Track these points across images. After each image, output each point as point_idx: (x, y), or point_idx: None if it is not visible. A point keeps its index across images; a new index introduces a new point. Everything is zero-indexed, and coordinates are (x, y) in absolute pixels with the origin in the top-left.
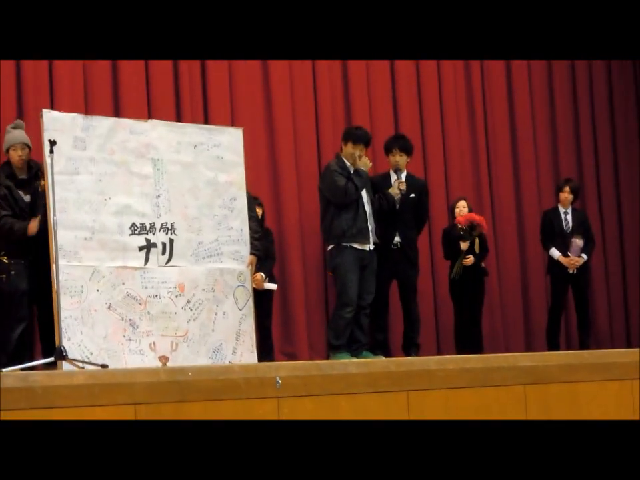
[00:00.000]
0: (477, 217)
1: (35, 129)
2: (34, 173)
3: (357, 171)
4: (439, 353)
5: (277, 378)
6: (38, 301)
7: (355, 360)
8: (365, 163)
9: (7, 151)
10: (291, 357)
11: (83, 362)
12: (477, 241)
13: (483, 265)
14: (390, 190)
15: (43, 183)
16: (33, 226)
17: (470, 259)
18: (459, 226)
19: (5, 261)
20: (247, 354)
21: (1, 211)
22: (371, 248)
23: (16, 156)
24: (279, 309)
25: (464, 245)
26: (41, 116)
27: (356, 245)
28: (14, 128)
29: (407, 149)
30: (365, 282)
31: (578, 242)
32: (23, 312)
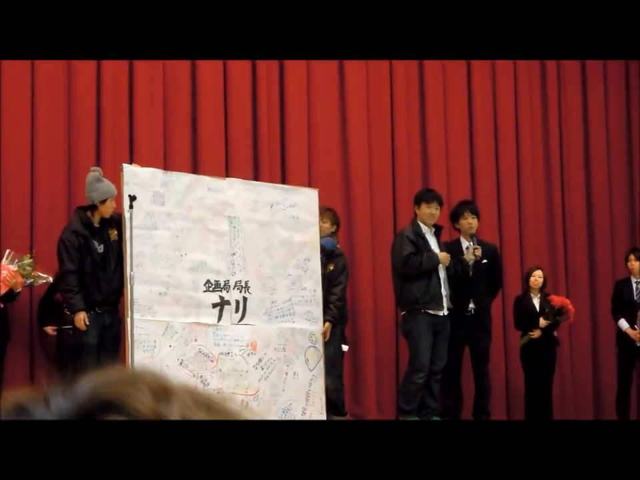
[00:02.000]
0: (570, 305)
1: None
2: (107, 223)
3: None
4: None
5: None
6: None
7: None
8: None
9: (104, 201)
10: (359, 417)
11: None
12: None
13: (555, 334)
14: (465, 256)
15: (114, 232)
16: (80, 319)
17: (537, 333)
18: (550, 303)
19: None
20: (317, 415)
21: (69, 265)
22: (445, 313)
23: (111, 207)
24: (350, 369)
25: (543, 323)
26: (122, 170)
27: (430, 311)
28: (102, 178)
29: (477, 213)
30: (438, 347)
31: None
32: (90, 366)
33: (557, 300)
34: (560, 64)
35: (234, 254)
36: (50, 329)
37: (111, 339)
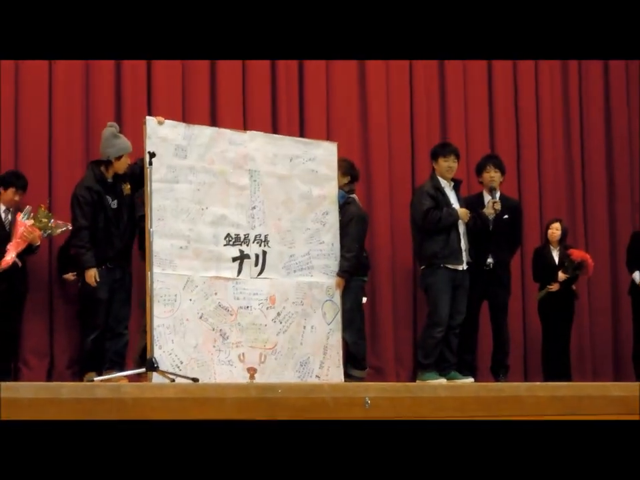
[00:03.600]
0: (589, 260)
1: (129, 134)
2: (121, 177)
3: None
4: (526, 374)
5: (366, 398)
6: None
7: (444, 382)
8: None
9: (119, 157)
10: (378, 371)
11: (174, 374)
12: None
13: (573, 287)
14: (484, 210)
15: (127, 186)
16: (91, 276)
17: (555, 286)
18: (570, 257)
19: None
20: (334, 368)
21: (82, 221)
22: (464, 268)
23: (126, 163)
24: (368, 322)
25: (561, 276)
26: (144, 123)
27: (449, 265)
28: (118, 134)
29: (501, 167)
30: (456, 302)
31: None
32: (99, 320)
33: (577, 254)
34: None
35: (254, 208)
36: (70, 275)
37: (122, 293)
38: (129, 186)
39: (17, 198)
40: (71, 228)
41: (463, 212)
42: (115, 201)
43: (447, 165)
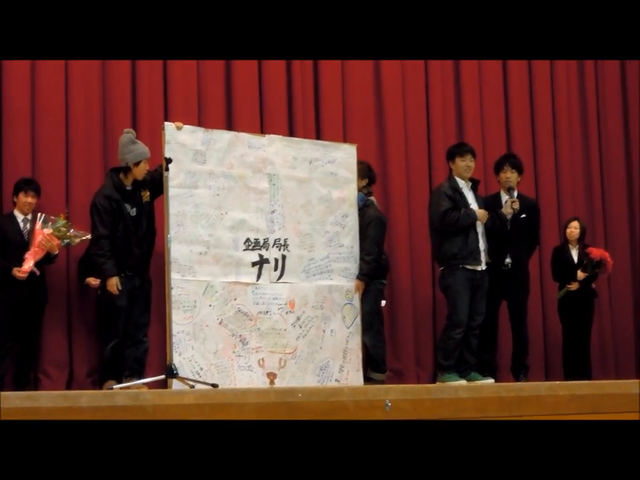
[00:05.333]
0: (609, 258)
1: (147, 140)
2: (140, 184)
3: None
4: (547, 374)
5: (387, 401)
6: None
7: (464, 384)
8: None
9: (137, 163)
10: (398, 373)
11: (193, 380)
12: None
13: (593, 286)
14: (503, 209)
15: (146, 193)
16: (112, 284)
17: (575, 285)
18: (589, 256)
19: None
20: (353, 372)
21: (102, 229)
22: (483, 268)
23: (144, 169)
24: (387, 325)
25: (581, 275)
26: (163, 128)
27: (468, 266)
28: (136, 140)
29: (518, 166)
30: (476, 303)
31: None
32: (119, 328)
33: (596, 252)
34: None
35: (273, 212)
36: (92, 280)
37: (141, 300)
38: (148, 193)
39: (29, 200)
40: (89, 237)
41: (481, 213)
42: (134, 209)
43: (464, 164)
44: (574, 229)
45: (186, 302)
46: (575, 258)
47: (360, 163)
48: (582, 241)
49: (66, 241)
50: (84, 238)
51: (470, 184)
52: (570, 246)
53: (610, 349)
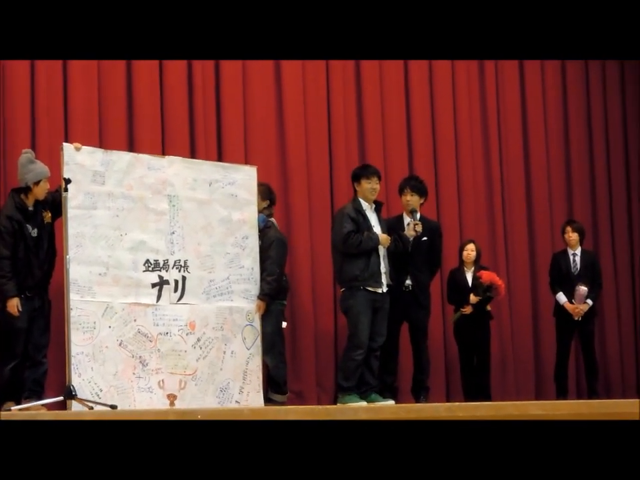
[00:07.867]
0: (499, 281)
1: (46, 160)
2: (41, 205)
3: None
4: (448, 395)
5: None
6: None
7: (364, 405)
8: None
9: (37, 182)
10: (299, 395)
11: (92, 402)
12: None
13: (488, 308)
14: (405, 232)
15: (48, 214)
16: (13, 306)
17: (468, 309)
18: (479, 280)
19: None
20: (254, 393)
21: (3, 251)
22: (384, 291)
23: (45, 188)
24: (289, 346)
25: (473, 299)
26: (61, 149)
27: (369, 288)
28: (34, 159)
29: (419, 190)
30: (377, 324)
31: (582, 289)
32: (18, 349)
33: (486, 276)
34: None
35: (173, 233)
36: None
37: (41, 321)
38: (49, 214)
39: None
40: None
41: (383, 238)
42: (36, 230)
43: (370, 186)
44: (470, 251)
45: (85, 323)
46: (470, 281)
47: (260, 185)
48: (477, 263)
49: None
50: None
51: (374, 206)
52: (465, 268)
53: (510, 369)
